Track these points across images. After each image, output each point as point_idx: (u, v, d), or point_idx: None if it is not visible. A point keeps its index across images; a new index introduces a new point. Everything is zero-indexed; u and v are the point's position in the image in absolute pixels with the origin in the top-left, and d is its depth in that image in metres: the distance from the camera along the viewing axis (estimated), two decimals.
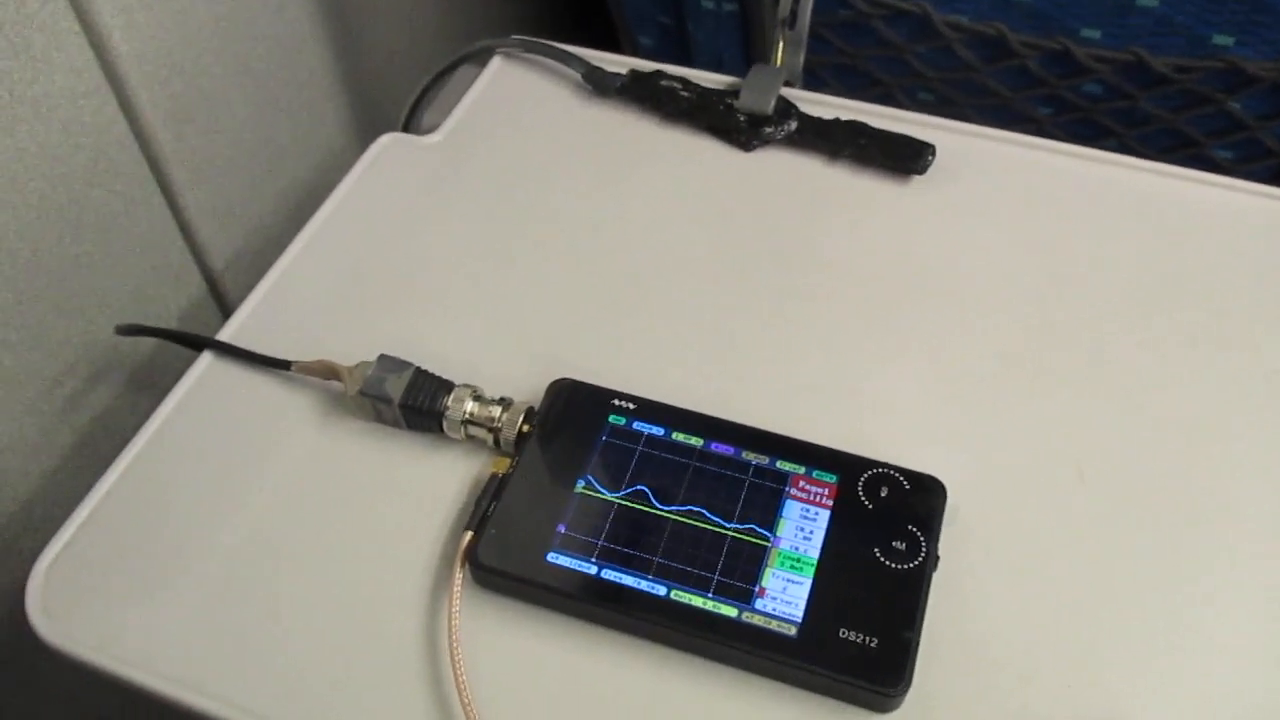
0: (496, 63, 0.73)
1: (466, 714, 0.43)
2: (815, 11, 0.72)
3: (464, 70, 0.72)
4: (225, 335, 0.58)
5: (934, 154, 0.64)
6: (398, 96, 0.74)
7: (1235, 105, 0.77)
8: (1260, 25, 0.72)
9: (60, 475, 0.63)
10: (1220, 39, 0.74)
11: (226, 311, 0.74)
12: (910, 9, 0.79)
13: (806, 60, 0.76)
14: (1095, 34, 0.76)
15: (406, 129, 0.71)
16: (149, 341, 0.68)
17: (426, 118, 0.71)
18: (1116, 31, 0.76)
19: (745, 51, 0.88)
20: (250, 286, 0.61)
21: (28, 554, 0.62)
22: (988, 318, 0.58)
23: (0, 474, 0.60)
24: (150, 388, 0.68)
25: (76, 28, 0.57)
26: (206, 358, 0.57)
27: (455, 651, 0.45)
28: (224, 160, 0.70)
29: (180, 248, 0.69)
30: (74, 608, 0.49)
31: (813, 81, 0.87)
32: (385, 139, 0.68)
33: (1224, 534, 0.49)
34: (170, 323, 0.70)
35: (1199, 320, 0.57)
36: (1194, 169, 0.64)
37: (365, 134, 0.81)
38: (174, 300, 0.70)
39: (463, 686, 0.44)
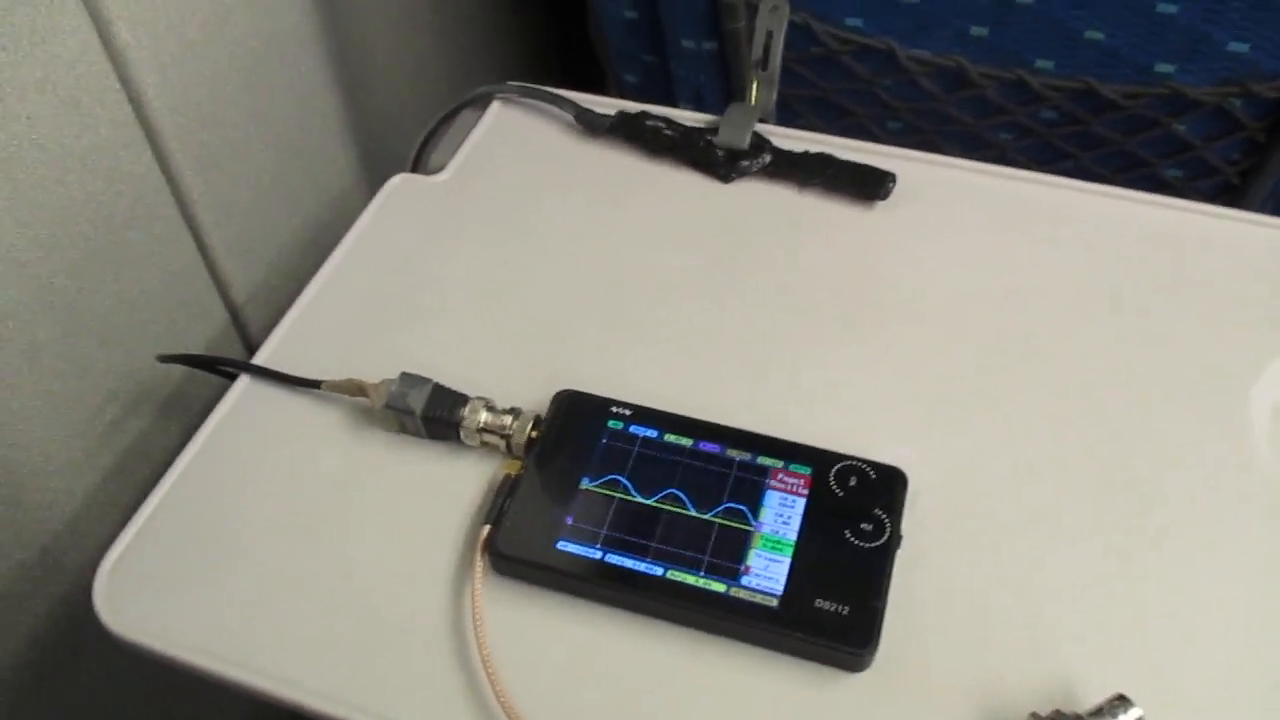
0: (496, 107, 0.76)
1: (491, 683, 0.47)
2: (789, 48, 0.74)
3: (466, 114, 0.75)
4: (259, 360, 0.61)
5: (895, 181, 0.67)
6: (404, 140, 0.76)
7: (1180, 128, 0.80)
8: (1198, 54, 0.75)
9: (101, 494, 0.66)
10: (1163, 67, 0.77)
11: (247, 341, 0.76)
12: (877, 45, 0.82)
13: (783, 94, 0.79)
14: (1048, 65, 0.80)
15: (415, 169, 0.74)
16: (179, 371, 0.69)
17: (433, 158, 0.74)
18: (1067, 62, 0.79)
19: (724, 87, 0.90)
20: (269, 318, 0.63)
21: (72, 568, 0.64)
22: (946, 328, 0.61)
23: (50, 493, 0.62)
24: (181, 413, 0.71)
25: (117, 85, 0.60)
26: (244, 380, 0.61)
27: (479, 630, 0.49)
28: (246, 202, 0.73)
29: (206, 283, 0.72)
30: (135, 602, 0.52)
31: (788, 114, 0.90)
32: (396, 179, 0.71)
33: (1160, 513, 0.53)
34: (196, 352, 0.71)
35: (1143, 327, 0.60)
36: (1145, 188, 0.67)
37: (374, 175, 0.83)
38: (200, 332, 0.72)
39: (486, 659, 0.48)
